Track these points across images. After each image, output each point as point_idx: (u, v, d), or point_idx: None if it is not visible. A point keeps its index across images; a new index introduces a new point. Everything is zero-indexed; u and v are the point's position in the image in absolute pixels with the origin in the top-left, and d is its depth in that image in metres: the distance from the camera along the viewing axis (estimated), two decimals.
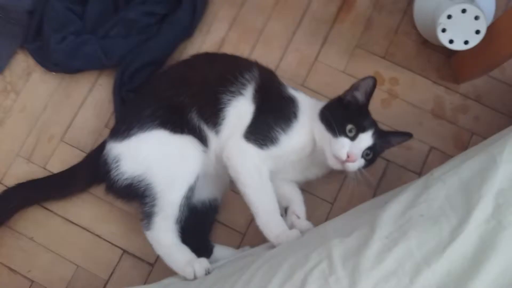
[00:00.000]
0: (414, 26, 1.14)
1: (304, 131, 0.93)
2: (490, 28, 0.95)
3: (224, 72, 0.96)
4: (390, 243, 0.71)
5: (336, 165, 0.91)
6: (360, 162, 0.91)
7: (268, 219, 0.89)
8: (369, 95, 0.91)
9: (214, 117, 0.94)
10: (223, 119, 0.94)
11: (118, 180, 0.94)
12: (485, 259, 0.67)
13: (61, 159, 1.08)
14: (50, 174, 1.07)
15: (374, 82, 0.89)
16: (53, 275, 1.03)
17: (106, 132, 1.08)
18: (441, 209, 0.73)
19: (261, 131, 0.92)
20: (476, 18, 0.93)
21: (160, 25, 1.13)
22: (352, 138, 0.89)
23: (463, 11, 0.94)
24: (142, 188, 0.92)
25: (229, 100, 0.93)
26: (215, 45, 1.16)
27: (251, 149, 0.91)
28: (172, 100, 0.95)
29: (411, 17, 1.14)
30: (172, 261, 0.91)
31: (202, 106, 0.94)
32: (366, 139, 0.90)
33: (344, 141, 0.89)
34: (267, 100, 0.95)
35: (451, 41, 0.96)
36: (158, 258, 1.02)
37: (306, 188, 1.05)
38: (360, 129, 0.90)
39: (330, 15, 1.17)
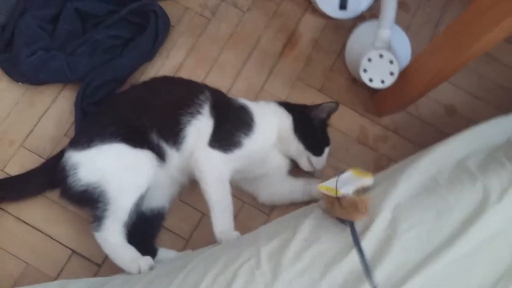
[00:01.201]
0: (346, 66, 1.30)
1: (263, 131, 1.07)
2: (403, 72, 1.12)
3: (181, 97, 1.07)
4: (307, 244, 0.83)
5: (309, 169, 1.14)
6: None
7: (219, 215, 1.00)
8: (330, 115, 1.13)
9: (174, 136, 1.03)
10: (183, 138, 1.03)
11: (74, 186, 1.00)
12: (381, 261, 0.79)
13: (20, 164, 1.13)
14: (8, 176, 1.12)
15: (337, 106, 1.12)
16: (2, 271, 1.06)
17: (65, 140, 1.14)
18: None
19: (225, 138, 1.03)
20: (391, 62, 1.10)
21: (124, 48, 1.21)
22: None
23: (381, 56, 1.11)
24: (96, 194, 0.99)
25: (189, 120, 1.03)
26: (173, 69, 1.26)
27: (216, 155, 1.02)
28: (135, 121, 1.03)
29: (343, 58, 1.30)
30: (119, 258, 0.97)
31: (162, 127, 1.03)
32: (328, 149, 1.16)
33: (321, 158, 1.14)
34: (224, 113, 1.06)
35: (370, 80, 1.13)
36: (105, 259, 1.06)
37: (246, 199, 1.16)
38: (327, 144, 1.14)
39: (276, 50, 1.31)
